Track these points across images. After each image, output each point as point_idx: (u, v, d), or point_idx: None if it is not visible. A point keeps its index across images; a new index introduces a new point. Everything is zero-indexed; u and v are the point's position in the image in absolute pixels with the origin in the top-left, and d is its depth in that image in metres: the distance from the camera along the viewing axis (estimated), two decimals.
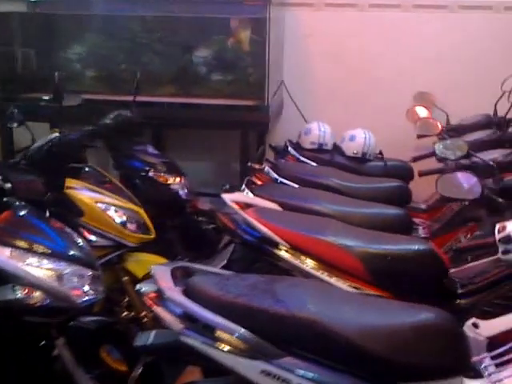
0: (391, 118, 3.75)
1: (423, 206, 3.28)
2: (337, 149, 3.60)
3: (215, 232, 3.19)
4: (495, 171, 2.18)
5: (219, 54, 3.76)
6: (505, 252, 1.44)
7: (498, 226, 1.47)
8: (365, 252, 1.98)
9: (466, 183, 2.03)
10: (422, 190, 3.23)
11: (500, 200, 2.02)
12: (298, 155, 3.50)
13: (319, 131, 3.61)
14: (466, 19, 3.92)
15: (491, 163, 2.23)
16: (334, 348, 1.33)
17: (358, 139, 3.54)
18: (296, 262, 2.00)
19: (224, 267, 2.24)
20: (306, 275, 1.97)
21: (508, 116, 3.18)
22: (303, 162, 3.46)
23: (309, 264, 1.99)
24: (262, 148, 3.79)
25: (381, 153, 3.61)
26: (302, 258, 2.00)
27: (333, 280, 1.94)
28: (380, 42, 4.03)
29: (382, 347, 1.32)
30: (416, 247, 2.02)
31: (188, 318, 1.39)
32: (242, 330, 1.34)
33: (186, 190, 3.16)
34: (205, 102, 3.70)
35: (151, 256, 2.63)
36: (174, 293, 1.43)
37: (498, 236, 1.45)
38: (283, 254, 2.02)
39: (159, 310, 1.42)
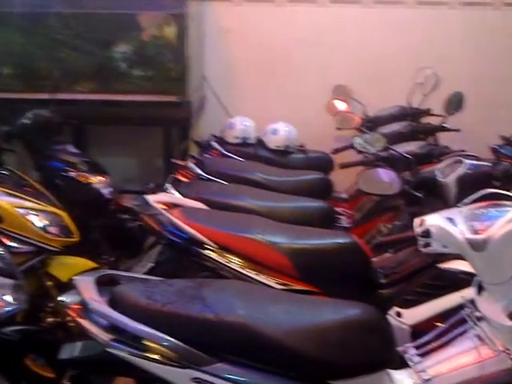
0: (312, 111, 3.82)
1: (344, 196, 3.36)
2: (260, 142, 3.64)
3: (140, 229, 3.15)
4: (412, 164, 2.26)
5: (139, 49, 3.69)
6: (424, 245, 1.49)
7: (416, 221, 1.52)
8: (290, 248, 2.00)
9: (386, 179, 2.10)
10: (343, 180, 3.30)
11: (418, 194, 2.10)
12: (221, 150, 3.50)
13: (242, 125, 3.64)
14: (381, 14, 4.03)
15: (409, 156, 2.31)
16: (265, 350, 1.34)
17: (280, 132, 3.59)
18: (223, 261, 2.00)
19: (152, 269, 2.20)
20: (234, 274, 1.97)
21: (421, 107, 3.33)
22: (227, 156, 3.47)
23: (236, 263, 1.99)
24: (184, 144, 3.75)
25: (302, 145, 3.68)
26: (229, 257, 2.00)
27: (261, 278, 1.96)
28: (299, 37, 4.08)
29: (310, 347, 1.34)
30: (340, 241, 2.07)
31: (115, 330, 1.36)
32: (170, 338, 1.33)
33: (108, 189, 3.09)
34: (125, 98, 3.61)
35: (75, 259, 2.56)
36: (99, 304, 1.40)
37: (416, 230, 1.50)
38: (210, 254, 2.01)
39: (84, 323, 1.38)
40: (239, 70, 4.15)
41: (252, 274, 1.97)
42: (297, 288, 1.95)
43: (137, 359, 1.33)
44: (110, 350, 1.35)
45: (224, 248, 2.02)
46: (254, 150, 3.57)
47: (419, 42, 3.99)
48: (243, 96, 4.13)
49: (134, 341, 1.34)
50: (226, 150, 3.50)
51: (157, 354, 1.33)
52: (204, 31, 4.06)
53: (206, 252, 2.02)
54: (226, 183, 2.88)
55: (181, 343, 1.33)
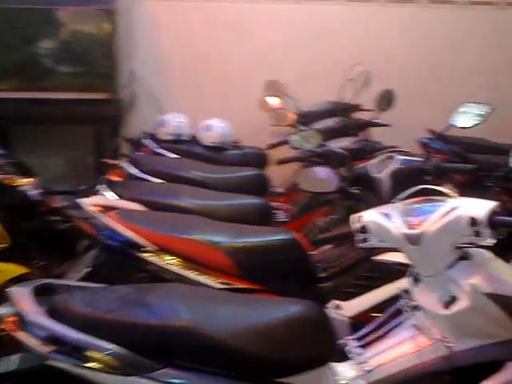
0: (246, 107, 3.82)
1: (281, 190, 3.39)
2: (194, 139, 3.61)
3: (72, 232, 3.06)
4: (347, 160, 2.31)
5: (66, 45, 3.57)
6: (361, 241, 1.53)
7: (353, 217, 1.55)
8: (231, 247, 2.00)
9: (324, 176, 2.13)
10: (278, 175, 3.33)
11: (355, 191, 2.15)
12: (154, 147, 3.45)
13: (175, 122, 3.59)
14: (314, 10, 4.08)
15: (344, 152, 2.36)
16: (212, 353, 1.33)
17: (214, 128, 3.57)
18: (163, 263, 1.97)
19: (89, 274, 2.13)
20: (175, 276, 1.95)
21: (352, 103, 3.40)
22: (161, 153, 3.41)
23: (177, 264, 1.96)
24: (115, 142, 3.67)
25: (236, 141, 3.68)
26: (170, 259, 1.97)
27: (203, 278, 1.94)
28: (232, 32, 4.07)
29: (255, 346, 1.35)
30: (279, 237, 2.09)
31: (55, 341, 1.32)
32: (114, 346, 1.30)
33: (37, 191, 2.97)
34: (52, 96, 3.49)
35: (4, 265, 2.46)
36: (37, 315, 1.35)
37: (354, 226, 1.54)
38: (150, 256, 1.97)
39: (21, 335, 1.33)
40: (171, 66, 4.10)
41: (193, 275, 1.95)
42: (239, 287, 1.95)
43: (79, 370, 1.30)
44: (50, 362, 1.31)
45: (163, 250, 1.98)
46: (188, 146, 3.53)
47: (349, 39, 4.06)
48: (176, 92, 4.08)
49: (76, 351, 1.31)
50: (159, 148, 3.44)
51: (100, 363, 1.30)
52: (134, 27, 3.98)
53: (145, 255, 1.98)
54: (161, 182, 2.84)
55: (124, 351, 1.31)
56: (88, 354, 1.30)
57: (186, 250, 1.99)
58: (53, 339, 1.32)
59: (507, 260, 1.56)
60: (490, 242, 1.34)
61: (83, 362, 1.30)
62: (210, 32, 4.06)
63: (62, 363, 1.30)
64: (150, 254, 1.98)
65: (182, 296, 1.47)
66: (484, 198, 1.47)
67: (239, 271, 1.97)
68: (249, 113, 3.76)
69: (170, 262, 1.97)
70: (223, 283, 1.95)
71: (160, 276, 1.96)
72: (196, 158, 3.33)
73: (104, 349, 1.30)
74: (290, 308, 1.48)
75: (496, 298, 1.37)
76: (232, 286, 1.95)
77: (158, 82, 4.07)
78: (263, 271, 2.00)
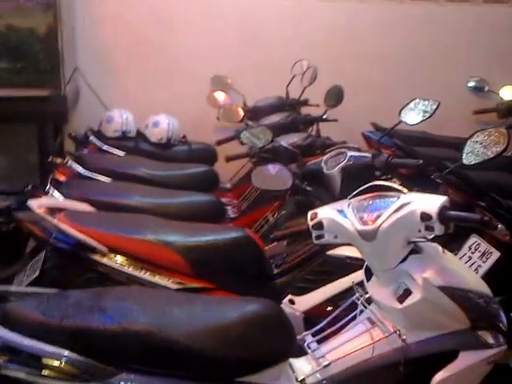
0: (193, 102, 3.79)
1: (229, 186, 3.39)
2: (141, 135, 3.55)
3: (18, 233, 2.96)
4: (298, 156, 2.33)
5: (5, 40, 3.41)
6: (317, 237, 1.55)
7: (309, 214, 1.57)
8: (184, 246, 1.98)
9: (278, 174, 2.15)
10: (226, 170, 3.32)
11: (308, 188, 2.17)
12: (100, 144, 3.37)
13: (121, 118, 3.51)
14: (261, 5, 4.06)
15: (295, 149, 2.37)
16: (170, 356, 1.33)
17: (161, 125, 3.52)
18: (116, 265, 1.92)
19: (37, 279, 2.06)
20: (129, 278, 1.91)
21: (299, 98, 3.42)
22: (107, 151, 3.35)
23: (129, 266, 1.93)
24: (59, 140, 3.57)
25: (184, 137, 3.65)
26: (122, 260, 1.93)
27: (156, 279, 1.92)
28: (177, 26, 4.00)
29: (213, 347, 1.36)
30: (233, 235, 2.08)
31: (9, 350, 1.28)
32: (69, 354, 1.28)
33: None
34: None
35: None
36: None
37: (310, 223, 1.55)
38: (102, 258, 1.93)
39: None
40: (116, 61, 3.99)
41: (147, 275, 1.92)
42: (194, 286, 1.94)
43: (36, 378, 1.28)
44: (4, 371, 1.28)
45: (116, 251, 1.94)
46: (135, 143, 3.47)
47: (296, 33, 4.04)
48: (121, 87, 3.98)
49: (31, 360, 1.28)
50: (105, 145, 3.37)
51: (57, 371, 1.28)
52: (77, 20, 3.85)
53: (97, 257, 1.93)
54: (109, 180, 2.79)
55: (81, 357, 1.29)
56: (44, 361, 1.28)
57: (139, 251, 1.95)
58: (7, 348, 1.29)
59: (453, 251, 1.63)
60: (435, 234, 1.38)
61: (39, 371, 1.28)
62: (155, 26, 3.97)
63: (18, 372, 1.28)
64: (102, 256, 1.94)
65: (138, 299, 1.45)
66: (431, 192, 1.52)
67: (193, 270, 1.96)
68: (195, 108, 3.72)
69: (123, 264, 1.93)
70: (178, 283, 1.93)
71: (113, 278, 1.92)
72: (143, 154, 3.29)
73: (60, 356, 1.28)
74: (246, 307, 1.49)
75: (447, 290, 1.42)
76: (187, 286, 1.93)
77: (101, 76, 3.95)
78: (218, 270, 1.99)
